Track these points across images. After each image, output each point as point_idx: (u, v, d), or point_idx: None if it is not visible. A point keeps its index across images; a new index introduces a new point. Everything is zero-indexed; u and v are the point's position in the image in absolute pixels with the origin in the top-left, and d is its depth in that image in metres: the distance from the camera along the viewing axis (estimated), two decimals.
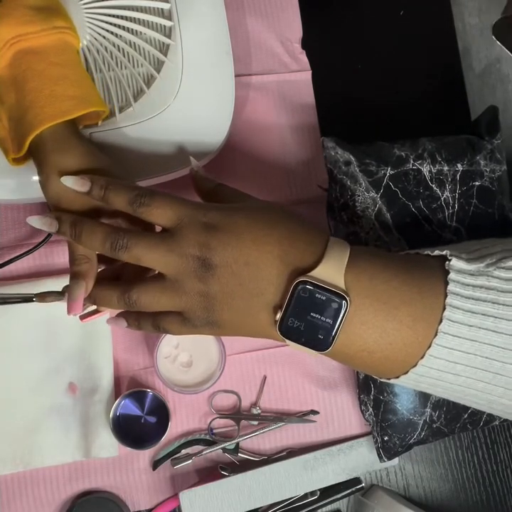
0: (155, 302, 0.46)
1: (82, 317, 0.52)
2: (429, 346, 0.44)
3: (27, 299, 0.55)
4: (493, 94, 0.75)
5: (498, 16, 0.68)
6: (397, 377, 0.47)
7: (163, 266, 0.46)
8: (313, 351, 0.45)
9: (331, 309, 0.44)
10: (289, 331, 0.45)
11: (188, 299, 0.45)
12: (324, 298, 0.44)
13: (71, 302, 0.49)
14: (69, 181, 0.49)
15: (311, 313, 0.44)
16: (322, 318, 0.44)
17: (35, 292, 0.54)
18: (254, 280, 0.45)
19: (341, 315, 0.44)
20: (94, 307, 0.52)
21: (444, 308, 0.44)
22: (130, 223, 0.52)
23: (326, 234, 0.47)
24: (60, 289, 0.52)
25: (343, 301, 0.44)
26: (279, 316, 0.45)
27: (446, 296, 0.44)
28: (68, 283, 0.50)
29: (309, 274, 0.44)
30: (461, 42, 0.75)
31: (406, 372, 0.46)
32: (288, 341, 0.45)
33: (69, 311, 0.49)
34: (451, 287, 0.44)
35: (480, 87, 0.75)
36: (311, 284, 0.44)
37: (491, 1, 0.75)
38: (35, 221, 0.49)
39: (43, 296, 0.53)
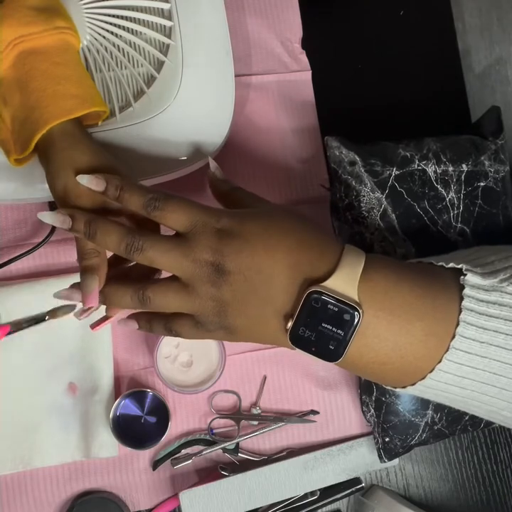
0: (169, 302, 0.46)
1: (93, 326, 0.52)
2: (440, 361, 0.44)
3: (39, 319, 0.55)
4: (493, 95, 0.75)
5: (498, 16, 0.68)
6: (404, 387, 0.47)
7: (177, 270, 0.46)
8: (323, 361, 0.45)
9: (343, 321, 0.43)
10: (300, 340, 0.45)
11: (201, 302, 0.45)
12: (337, 309, 0.43)
13: (87, 295, 0.48)
14: (84, 180, 0.48)
15: (323, 324, 0.44)
16: (334, 329, 0.44)
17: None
18: (266, 288, 0.44)
19: (353, 327, 0.43)
20: (102, 314, 0.52)
21: (458, 324, 0.43)
22: (136, 222, 0.52)
23: (341, 243, 0.47)
24: (59, 289, 0.52)
25: (356, 313, 0.43)
26: (290, 324, 0.44)
27: (460, 311, 0.44)
28: (71, 282, 0.50)
29: (322, 284, 0.44)
30: (461, 42, 0.75)
31: (413, 384, 0.46)
32: (298, 350, 0.45)
33: (85, 303, 0.48)
34: (465, 303, 0.44)
35: (480, 87, 0.75)
36: (324, 294, 0.43)
37: (491, 1, 0.74)
38: (47, 217, 0.48)
39: (55, 313, 0.53)
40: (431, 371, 0.44)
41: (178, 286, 0.46)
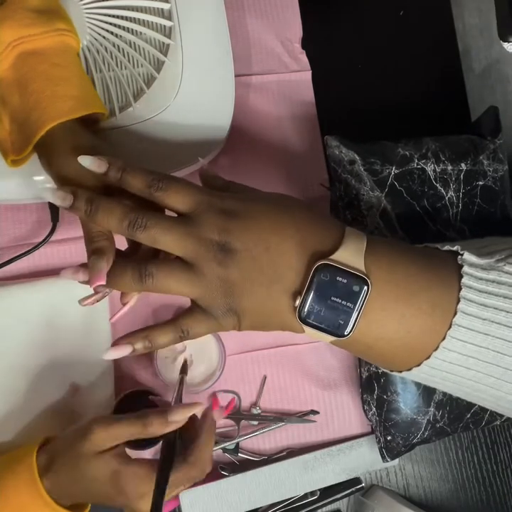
0: (173, 282, 0.45)
1: (82, 301, 0.50)
2: (443, 338, 0.44)
3: None
4: (493, 94, 0.75)
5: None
6: (410, 369, 0.47)
7: (180, 249, 0.45)
8: (332, 337, 0.45)
9: (351, 293, 0.44)
10: (309, 316, 0.44)
11: (207, 283, 0.45)
12: (345, 281, 0.43)
13: (93, 274, 0.46)
14: (87, 161, 0.48)
15: (332, 298, 0.44)
16: (343, 302, 0.44)
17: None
18: (273, 266, 0.44)
19: (362, 298, 0.44)
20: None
21: (458, 301, 0.44)
22: (139, 207, 0.51)
23: (342, 222, 0.47)
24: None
25: (364, 284, 0.43)
26: (298, 301, 0.44)
27: (459, 289, 0.44)
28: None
29: (330, 257, 0.44)
30: (461, 42, 0.75)
31: (419, 365, 0.46)
32: (307, 328, 0.45)
33: (92, 282, 0.46)
34: (465, 280, 0.44)
35: (480, 87, 0.75)
36: (332, 267, 0.43)
37: (491, 1, 0.74)
38: (48, 194, 0.47)
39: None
40: (435, 349, 0.45)
41: (183, 266, 0.45)
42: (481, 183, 0.62)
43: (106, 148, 0.52)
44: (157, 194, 0.46)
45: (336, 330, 0.44)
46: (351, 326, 0.44)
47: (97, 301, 0.50)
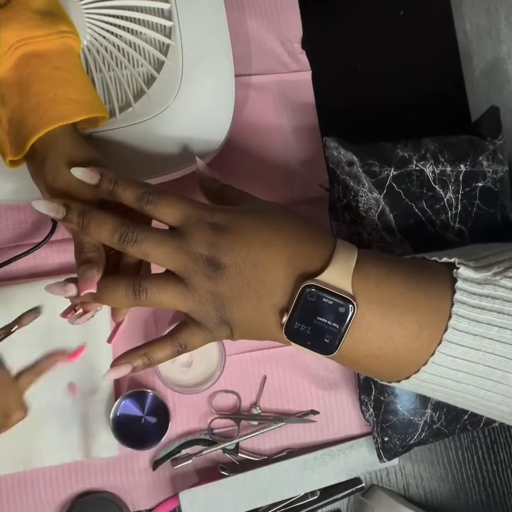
0: (165, 294, 0.45)
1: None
2: (433, 353, 0.44)
3: (7, 332, 0.55)
4: (493, 94, 0.75)
5: (496, 17, 0.68)
6: (399, 381, 0.47)
7: (170, 263, 0.45)
8: (319, 354, 0.45)
9: (337, 314, 0.44)
10: (295, 335, 0.45)
11: (199, 297, 0.45)
12: (331, 302, 0.44)
13: (84, 281, 0.46)
14: (78, 173, 0.48)
15: (318, 317, 0.44)
16: (329, 322, 0.44)
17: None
18: (261, 282, 0.44)
19: (348, 319, 0.44)
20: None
21: (450, 317, 0.44)
22: (132, 220, 0.51)
23: (333, 237, 0.47)
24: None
25: (350, 306, 0.43)
26: (285, 319, 0.44)
27: (452, 304, 0.44)
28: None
29: (317, 278, 0.44)
30: (461, 42, 0.75)
31: (408, 378, 0.46)
32: (293, 344, 0.45)
33: (82, 290, 0.46)
34: (457, 296, 0.44)
35: (480, 87, 0.75)
36: (319, 288, 0.43)
37: (491, 1, 0.74)
38: (41, 205, 0.48)
39: (20, 321, 0.51)
40: (425, 364, 0.45)
41: (175, 281, 0.45)
42: (480, 184, 0.62)
43: (101, 160, 0.52)
44: (147, 207, 0.46)
45: (321, 348, 0.45)
46: (336, 346, 0.44)
47: (86, 319, 0.50)
